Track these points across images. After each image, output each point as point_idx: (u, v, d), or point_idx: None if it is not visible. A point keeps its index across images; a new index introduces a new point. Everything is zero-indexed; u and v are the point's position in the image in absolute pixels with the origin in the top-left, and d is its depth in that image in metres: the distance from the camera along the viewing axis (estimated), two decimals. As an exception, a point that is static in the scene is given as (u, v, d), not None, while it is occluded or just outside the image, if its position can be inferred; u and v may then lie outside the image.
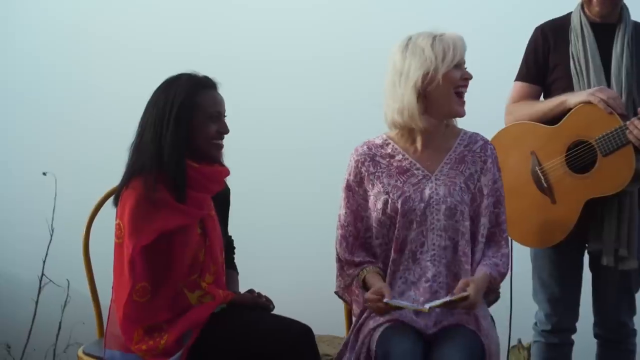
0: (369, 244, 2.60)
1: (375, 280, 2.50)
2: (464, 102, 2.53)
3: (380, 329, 2.42)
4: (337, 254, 2.63)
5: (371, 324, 2.47)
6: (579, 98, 2.81)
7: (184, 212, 2.44)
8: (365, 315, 2.52)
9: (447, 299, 2.34)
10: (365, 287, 2.54)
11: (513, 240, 2.97)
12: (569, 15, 3.02)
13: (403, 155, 2.59)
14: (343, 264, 2.61)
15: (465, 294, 2.33)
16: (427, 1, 5.09)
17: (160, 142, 2.42)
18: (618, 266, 2.83)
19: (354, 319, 2.63)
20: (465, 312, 2.42)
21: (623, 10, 2.94)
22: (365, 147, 2.64)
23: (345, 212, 2.61)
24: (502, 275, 2.57)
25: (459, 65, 2.50)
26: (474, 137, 2.63)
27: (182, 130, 2.43)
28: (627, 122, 2.70)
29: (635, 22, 2.95)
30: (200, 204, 2.50)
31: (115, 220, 2.46)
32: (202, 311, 2.44)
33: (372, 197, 2.57)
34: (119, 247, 2.45)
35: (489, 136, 2.81)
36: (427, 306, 2.31)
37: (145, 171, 2.41)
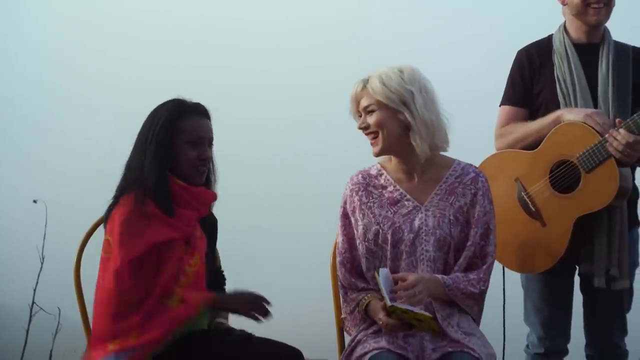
0: (364, 275, 2.61)
1: (378, 305, 2.47)
2: (374, 144, 2.57)
3: (367, 357, 2.42)
4: (340, 281, 2.64)
5: (359, 350, 2.47)
6: (575, 117, 2.81)
7: (173, 225, 2.46)
8: (354, 342, 2.53)
9: (412, 309, 2.30)
10: (367, 313, 2.54)
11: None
12: (550, 37, 3.06)
13: (394, 187, 2.61)
14: (346, 289, 2.61)
15: (429, 315, 2.31)
16: (425, 10, 5.12)
17: (144, 160, 2.48)
18: (610, 286, 2.83)
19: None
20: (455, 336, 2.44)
21: (605, 31, 2.98)
22: (359, 176, 2.67)
23: (342, 240, 2.63)
24: (464, 290, 2.51)
25: (361, 113, 2.58)
26: (466, 169, 2.63)
27: (161, 151, 2.48)
28: (606, 135, 2.72)
29: (616, 42, 2.99)
30: (187, 220, 2.52)
31: (105, 236, 2.47)
32: (172, 316, 2.40)
33: (361, 227, 2.58)
34: (105, 261, 2.44)
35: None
36: (390, 303, 2.30)
37: (133, 187, 2.46)
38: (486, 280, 2.56)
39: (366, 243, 2.56)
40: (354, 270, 2.60)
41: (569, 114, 2.82)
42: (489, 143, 3.11)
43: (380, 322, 2.40)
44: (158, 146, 2.48)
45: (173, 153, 2.50)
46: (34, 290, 4.31)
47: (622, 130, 2.68)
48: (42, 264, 4.30)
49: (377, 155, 2.59)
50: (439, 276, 2.49)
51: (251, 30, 5.26)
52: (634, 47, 2.99)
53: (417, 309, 2.32)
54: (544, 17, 3.25)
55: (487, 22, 4.92)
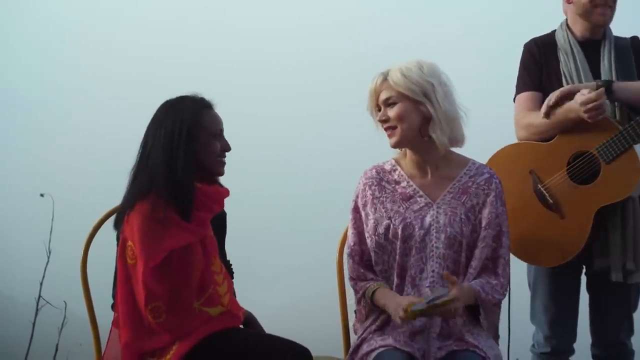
0: (372, 268, 2.61)
1: (387, 292, 2.49)
2: (391, 135, 2.56)
3: (373, 355, 2.42)
4: (349, 274, 2.65)
5: (365, 348, 2.47)
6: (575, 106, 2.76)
7: (189, 229, 2.46)
8: (360, 340, 2.53)
9: (431, 299, 2.30)
10: (372, 301, 2.53)
11: (510, 262, 2.97)
12: (552, 33, 3.05)
13: (408, 182, 2.62)
14: (355, 280, 2.62)
15: (450, 297, 2.31)
16: (424, 8, 5.12)
17: (173, 163, 2.44)
18: (627, 280, 2.80)
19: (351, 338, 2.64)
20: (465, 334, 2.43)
21: (606, 27, 2.99)
22: (374, 171, 2.67)
23: (353, 233, 2.64)
24: (493, 301, 2.51)
25: (380, 106, 2.59)
26: (480, 169, 2.63)
27: (191, 150, 2.47)
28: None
29: (616, 37, 2.99)
30: (203, 223, 2.53)
31: (127, 241, 2.45)
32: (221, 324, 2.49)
33: (372, 221, 2.58)
34: (132, 268, 2.44)
35: (483, 159, 2.84)
36: (411, 308, 2.30)
37: (156, 191, 2.42)
38: (507, 285, 2.58)
39: (376, 237, 2.56)
40: (362, 263, 2.60)
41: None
42: (489, 141, 3.11)
43: (398, 319, 2.37)
44: (188, 145, 2.45)
45: (199, 150, 2.49)
46: (41, 284, 4.32)
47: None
48: (48, 257, 4.31)
49: (394, 146, 2.59)
50: (477, 288, 2.47)
51: (256, 29, 5.27)
52: (632, 38, 2.99)
53: (439, 299, 2.31)
54: (543, 17, 3.24)
55: (487, 22, 4.93)
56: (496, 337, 2.61)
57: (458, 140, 2.59)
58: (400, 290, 2.52)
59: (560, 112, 2.80)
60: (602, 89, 2.71)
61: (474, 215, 2.55)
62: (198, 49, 5.22)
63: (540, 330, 3.07)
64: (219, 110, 2.62)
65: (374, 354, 2.41)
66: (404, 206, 2.57)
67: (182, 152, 2.45)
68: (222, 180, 2.65)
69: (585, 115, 2.71)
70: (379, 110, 2.59)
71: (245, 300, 2.78)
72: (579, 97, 2.72)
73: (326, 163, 4.95)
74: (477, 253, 2.53)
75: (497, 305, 2.55)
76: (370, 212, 2.59)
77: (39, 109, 5.30)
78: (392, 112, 2.54)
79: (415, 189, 2.60)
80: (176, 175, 2.43)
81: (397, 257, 2.53)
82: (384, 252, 2.56)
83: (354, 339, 2.66)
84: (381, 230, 2.55)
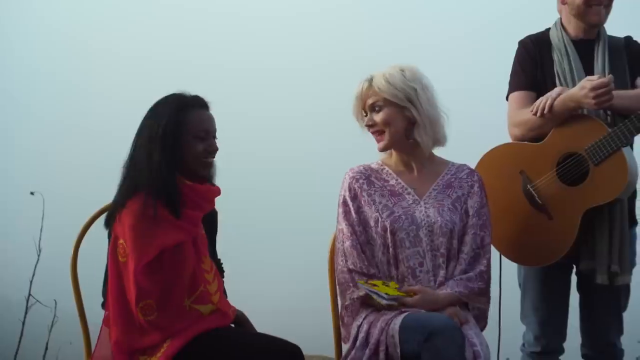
0: (369, 260, 2.62)
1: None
2: (379, 140, 2.68)
3: (399, 318, 2.42)
4: (347, 267, 2.62)
5: (382, 320, 2.47)
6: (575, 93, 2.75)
7: (181, 228, 2.46)
8: (366, 325, 2.52)
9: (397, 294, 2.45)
10: None
11: (502, 261, 2.98)
12: (547, 31, 3.06)
13: (396, 180, 2.71)
14: (353, 275, 2.61)
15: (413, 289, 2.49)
16: (421, 9, 5.12)
17: (153, 162, 2.44)
18: (613, 282, 2.81)
19: (343, 345, 2.64)
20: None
21: (601, 26, 2.99)
22: (361, 167, 2.75)
23: (346, 225, 2.66)
24: (475, 291, 2.58)
25: (366, 111, 2.69)
26: (460, 167, 2.77)
27: (169, 148, 2.45)
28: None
29: (610, 37, 2.99)
30: (194, 221, 2.52)
31: (118, 239, 2.44)
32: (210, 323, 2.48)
33: (367, 213, 2.64)
34: (124, 266, 2.43)
35: (472, 160, 2.91)
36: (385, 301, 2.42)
37: (141, 189, 2.42)
38: (489, 272, 2.66)
39: (367, 229, 2.62)
40: (361, 255, 2.61)
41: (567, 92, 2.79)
42: (482, 139, 3.12)
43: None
44: (165, 146, 2.44)
45: (180, 150, 2.48)
46: (31, 282, 4.30)
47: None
48: (38, 256, 4.29)
49: (382, 150, 2.71)
50: (457, 291, 2.55)
51: (256, 29, 5.27)
52: (626, 39, 3.00)
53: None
54: (539, 15, 3.25)
55: (486, 22, 4.93)
56: (484, 325, 2.68)
57: (440, 141, 2.72)
58: (401, 282, 2.57)
59: (558, 103, 2.80)
60: (611, 75, 2.73)
61: (460, 205, 2.67)
62: (198, 49, 5.21)
63: (530, 329, 3.08)
64: (219, 110, 2.61)
65: (399, 318, 2.42)
66: (392, 201, 2.66)
67: (159, 150, 2.43)
68: (217, 178, 2.65)
69: (593, 102, 2.70)
70: (365, 114, 2.69)
71: (237, 297, 2.78)
72: (587, 84, 2.71)
73: (320, 163, 4.95)
74: (467, 240, 2.63)
75: (482, 293, 2.62)
76: (362, 205, 2.66)
77: (29, 106, 5.28)
78: (378, 117, 2.65)
79: (403, 186, 2.69)
80: (156, 173, 2.42)
81: (391, 249, 2.58)
82: (374, 244, 2.62)
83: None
84: (372, 223, 2.63)
